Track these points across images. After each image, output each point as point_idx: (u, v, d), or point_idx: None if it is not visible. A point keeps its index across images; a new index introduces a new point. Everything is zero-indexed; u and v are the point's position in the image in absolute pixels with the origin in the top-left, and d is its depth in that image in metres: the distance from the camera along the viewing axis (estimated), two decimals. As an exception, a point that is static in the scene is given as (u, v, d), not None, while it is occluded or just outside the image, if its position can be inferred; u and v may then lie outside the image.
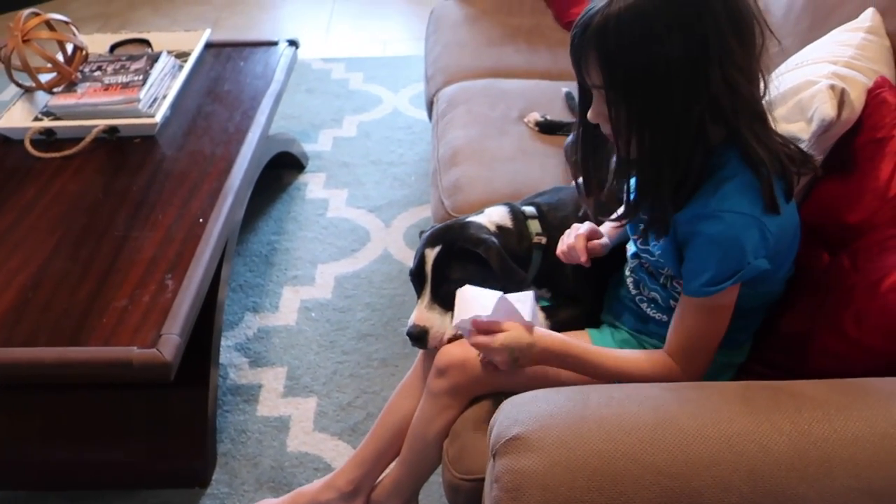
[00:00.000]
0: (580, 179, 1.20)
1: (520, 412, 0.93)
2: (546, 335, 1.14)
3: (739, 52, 0.99)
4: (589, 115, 1.09)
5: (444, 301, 1.29)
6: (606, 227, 1.36)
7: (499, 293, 1.12)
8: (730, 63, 0.98)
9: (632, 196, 1.12)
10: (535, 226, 1.38)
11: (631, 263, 1.29)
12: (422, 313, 1.29)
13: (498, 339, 1.11)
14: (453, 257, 1.29)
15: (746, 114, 1.03)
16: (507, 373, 1.21)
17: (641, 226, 1.18)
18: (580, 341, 1.19)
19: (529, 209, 1.41)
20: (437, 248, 1.30)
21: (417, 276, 1.32)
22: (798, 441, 0.86)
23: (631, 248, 1.30)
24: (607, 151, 1.15)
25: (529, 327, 1.12)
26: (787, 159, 1.07)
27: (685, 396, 0.93)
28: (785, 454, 0.85)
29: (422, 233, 1.39)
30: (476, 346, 1.14)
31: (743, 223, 1.03)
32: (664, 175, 1.04)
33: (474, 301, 1.14)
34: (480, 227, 1.34)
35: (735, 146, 1.04)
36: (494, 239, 1.31)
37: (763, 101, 1.06)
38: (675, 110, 1.00)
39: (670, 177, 1.04)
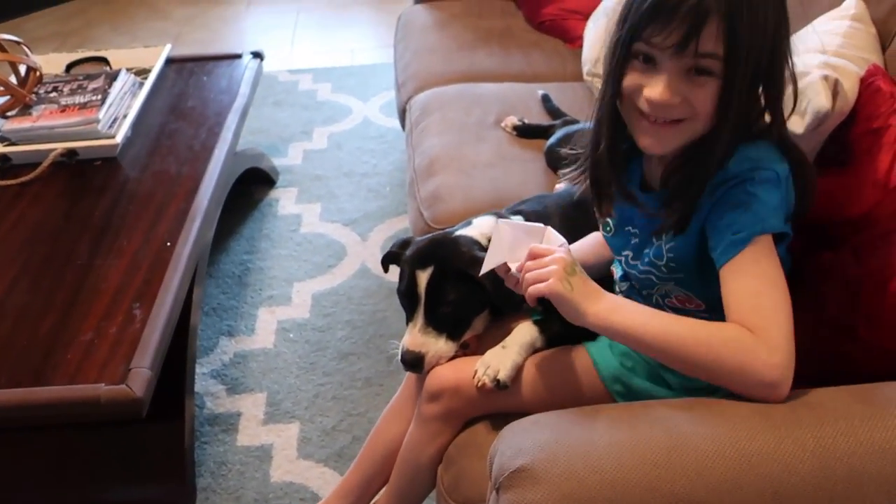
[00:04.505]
0: (596, 196, 1.12)
1: (523, 440, 0.86)
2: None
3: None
4: (664, 94, 0.95)
5: (440, 324, 1.21)
6: (583, 249, 1.29)
7: (541, 225, 1.07)
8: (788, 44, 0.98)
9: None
10: None
11: (621, 286, 1.22)
12: (415, 338, 1.21)
13: (555, 253, 1.02)
14: (448, 279, 1.21)
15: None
16: (504, 393, 1.14)
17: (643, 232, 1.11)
18: None
19: (518, 219, 1.34)
20: (430, 269, 1.21)
21: (408, 296, 1.23)
22: (823, 457, 0.80)
23: (618, 271, 1.24)
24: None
25: None
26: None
27: (698, 415, 0.87)
28: (810, 473, 0.79)
29: (395, 246, 1.31)
30: (529, 268, 1.03)
31: (767, 179, 0.97)
32: (721, 152, 0.98)
33: (512, 238, 1.07)
34: (472, 242, 1.26)
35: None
36: None
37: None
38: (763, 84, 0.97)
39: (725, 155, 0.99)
